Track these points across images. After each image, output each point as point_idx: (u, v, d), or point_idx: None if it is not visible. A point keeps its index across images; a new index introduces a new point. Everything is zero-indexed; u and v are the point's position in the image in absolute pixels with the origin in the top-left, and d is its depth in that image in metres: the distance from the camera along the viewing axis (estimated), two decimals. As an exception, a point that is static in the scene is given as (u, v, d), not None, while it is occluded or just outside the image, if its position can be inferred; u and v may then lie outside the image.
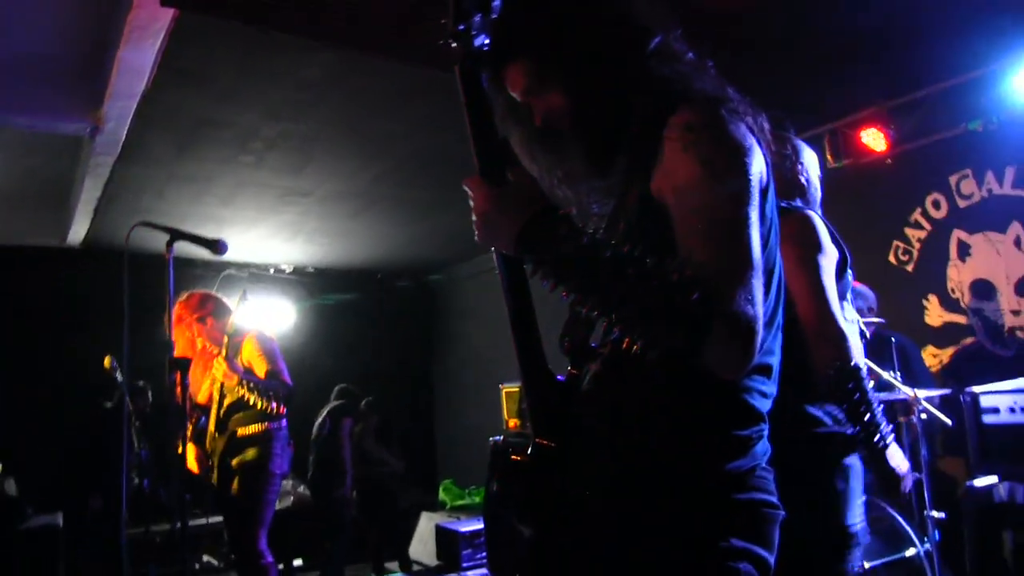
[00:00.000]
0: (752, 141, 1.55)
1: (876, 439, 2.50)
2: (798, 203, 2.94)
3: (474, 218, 1.58)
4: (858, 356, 2.57)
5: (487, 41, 1.57)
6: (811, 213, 2.84)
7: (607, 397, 1.65)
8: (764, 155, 1.58)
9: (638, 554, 1.54)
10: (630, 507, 1.57)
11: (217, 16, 4.48)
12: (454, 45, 1.55)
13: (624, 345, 1.41)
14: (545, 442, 1.68)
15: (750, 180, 1.48)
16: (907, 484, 2.60)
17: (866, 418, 2.47)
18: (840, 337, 2.54)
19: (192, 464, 4.87)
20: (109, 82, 5.10)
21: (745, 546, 1.52)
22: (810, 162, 3.09)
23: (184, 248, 3.86)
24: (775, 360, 1.64)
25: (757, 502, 1.55)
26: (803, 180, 3.06)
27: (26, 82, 5.35)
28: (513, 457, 1.71)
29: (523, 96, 1.74)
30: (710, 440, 1.54)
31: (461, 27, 1.52)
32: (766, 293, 1.55)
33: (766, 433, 1.62)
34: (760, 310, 1.40)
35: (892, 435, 2.56)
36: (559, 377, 1.72)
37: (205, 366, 4.85)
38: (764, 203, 1.55)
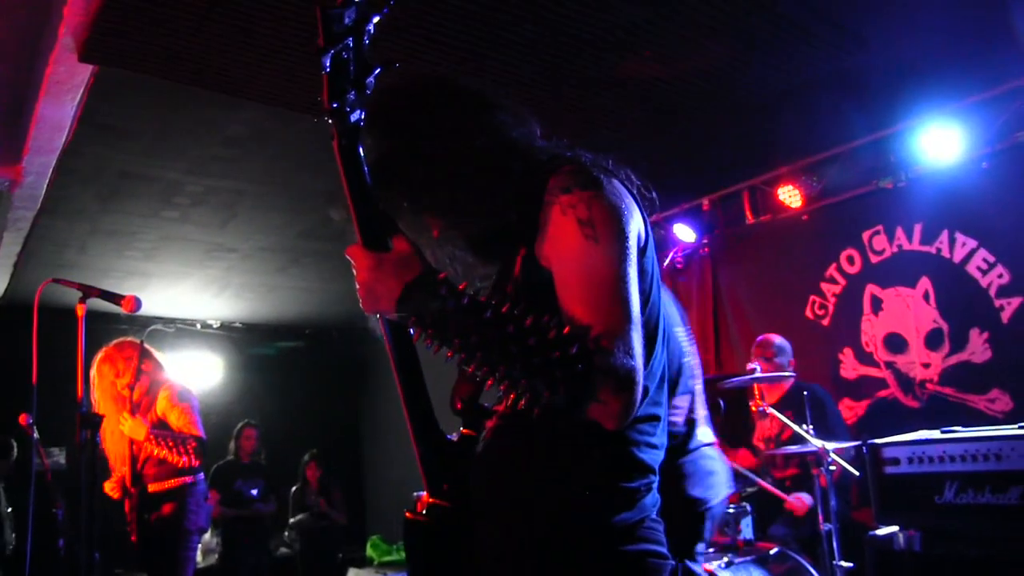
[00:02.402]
0: (628, 200, 1.61)
1: None
2: None
3: (357, 286, 1.60)
4: None
5: (362, 116, 1.61)
6: None
7: (497, 455, 1.68)
8: (641, 211, 1.64)
9: None
10: (523, 565, 1.60)
11: (137, 72, 4.48)
12: (330, 122, 1.59)
13: (509, 402, 1.44)
14: (439, 502, 1.70)
15: (627, 238, 1.54)
16: None
17: None
18: None
19: (111, 490, 4.76)
20: (28, 136, 5.06)
21: None
22: None
23: (108, 303, 3.84)
24: (663, 411, 1.69)
25: (645, 552, 1.59)
26: None
27: (-59, 136, 5.28)
28: (408, 516, 1.74)
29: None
30: (598, 494, 1.58)
31: (335, 104, 1.57)
32: (650, 346, 1.60)
33: (656, 485, 1.65)
34: (640, 362, 1.45)
35: None
36: (450, 437, 1.74)
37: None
38: (643, 259, 1.61)
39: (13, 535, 7.16)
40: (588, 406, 1.40)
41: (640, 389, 1.44)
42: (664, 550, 1.63)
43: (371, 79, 1.59)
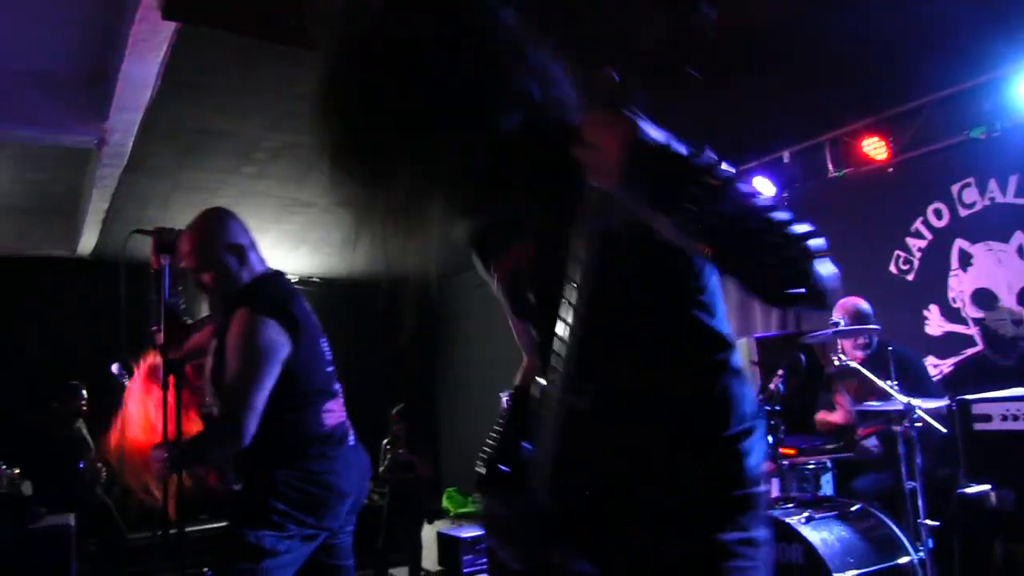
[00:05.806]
0: None
1: None
2: None
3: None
4: None
5: None
6: None
7: (628, 437, 1.62)
8: None
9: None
10: (672, 513, 1.58)
11: (218, 28, 4.53)
12: None
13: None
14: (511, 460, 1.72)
15: None
16: None
17: None
18: None
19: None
20: (114, 95, 5.16)
21: (768, 535, 1.58)
22: None
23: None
24: None
25: (766, 493, 1.61)
26: None
27: (33, 96, 5.41)
28: (479, 469, 1.76)
29: None
30: (745, 446, 1.58)
31: None
32: None
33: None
34: None
35: None
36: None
37: None
38: None
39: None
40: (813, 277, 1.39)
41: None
42: None
43: None
